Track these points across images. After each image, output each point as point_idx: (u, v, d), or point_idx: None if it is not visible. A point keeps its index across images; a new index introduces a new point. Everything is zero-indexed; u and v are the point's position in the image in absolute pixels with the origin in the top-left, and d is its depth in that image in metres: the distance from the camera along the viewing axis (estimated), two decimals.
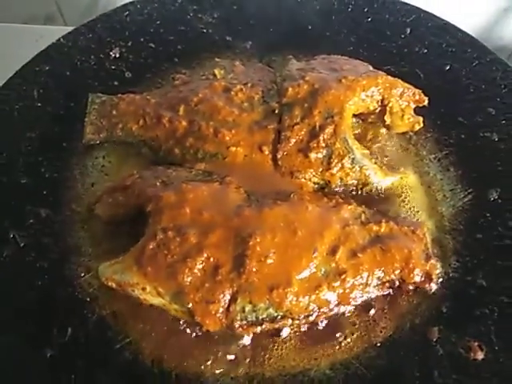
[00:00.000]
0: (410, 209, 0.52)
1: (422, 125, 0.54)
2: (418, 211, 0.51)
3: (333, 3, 0.68)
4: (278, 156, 0.51)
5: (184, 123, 0.55)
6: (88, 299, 0.46)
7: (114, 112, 0.58)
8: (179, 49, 0.66)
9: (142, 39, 0.66)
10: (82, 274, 0.48)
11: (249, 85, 0.57)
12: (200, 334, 0.44)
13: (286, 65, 0.59)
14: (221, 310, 0.43)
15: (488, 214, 0.49)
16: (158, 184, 0.48)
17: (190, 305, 0.42)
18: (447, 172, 0.54)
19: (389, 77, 0.54)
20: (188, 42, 0.66)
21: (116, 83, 0.63)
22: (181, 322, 0.45)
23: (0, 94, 0.59)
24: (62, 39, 0.65)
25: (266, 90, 0.56)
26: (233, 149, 0.52)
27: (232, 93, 0.56)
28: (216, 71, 0.59)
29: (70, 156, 0.57)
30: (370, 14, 0.66)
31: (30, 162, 0.55)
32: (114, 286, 0.45)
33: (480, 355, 0.40)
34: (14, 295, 0.46)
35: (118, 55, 0.65)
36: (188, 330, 0.44)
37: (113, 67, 0.64)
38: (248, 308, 0.43)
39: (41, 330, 0.44)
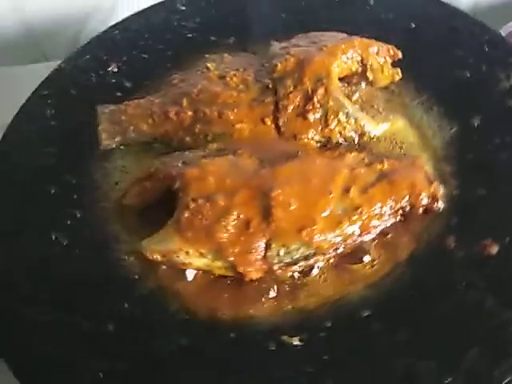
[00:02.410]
0: (405, 149, 0.57)
1: (400, 75, 0.60)
2: (412, 149, 0.57)
3: None
4: (280, 123, 0.57)
5: (190, 113, 0.60)
6: (136, 277, 0.51)
7: (123, 117, 0.63)
8: (170, 54, 0.72)
9: (134, 52, 0.72)
10: (125, 257, 0.53)
11: (240, 70, 0.63)
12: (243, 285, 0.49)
13: (269, 48, 0.65)
14: (259, 257, 0.47)
15: (476, 138, 0.55)
16: (179, 165, 0.54)
17: (231, 258, 0.47)
18: (431, 111, 0.59)
19: (364, 38, 0.60)
20: (176, 47, 0.73)
21: (119, 94, 0.68)
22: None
23: (15, 118, 0.64)
24: (62, 64, 0.71)
25: (256, 71, 0.62)
26: (238, 126, 0.58)
27: (227, 79, 0.62)
28: (208, 65, 0.65)
29: (90, 162, 0.61)
30: None
31: (55, 173, 0.60)
32: (158, 258, 0.49)
33: (495, 249, 0.45)
34: (67, 288, 0.51)
35: (116, 70, 0.70)
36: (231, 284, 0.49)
37: (113, 81, 0.70)
38: (282, 251, 0.48)
39: (98, 310, 0.48)
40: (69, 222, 0.55)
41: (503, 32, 0.85)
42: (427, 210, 0.51)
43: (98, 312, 0.48)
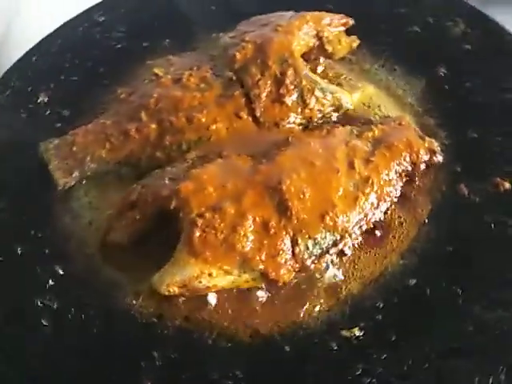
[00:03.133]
0: (384, 112, 0.57)
1: (358, 41, 0.60)
2: (390, 111, 0.57)
3: None
4: (258, 114, 0.54)
5: (153, 126, 0.54)
6: (154, 319, 0.44)
7: (75, 148, 0.55)
8: (103, 71, 0.65)
9: (62, 77, 0.64)
10: (134, 302, 0.46)
11: (194, 68, 0.58)
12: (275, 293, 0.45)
13: (215, 40, 0.61)
14: (288, 257, 0.44)
15: (446, 87, 0.56)
16: (166, 182, 0.48)
17: (261, 266, 0.43)
18: (394, 71, 0.60)
19: (314, 12, 0.59)
20: (108, 61, 0.66)
21: (58, 125, 0.60)
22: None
23: None
24: None
25: (212, 67, 0.58)
26: (213, 127, 0.53)
27: (184, 81, 0.56)
28: (156, 71, 0.60)
29: (52, 207, 0.53)
30: None
31: (16, 230, 0.51)
32: (176, 290, 0.43)
33: (507, 184, 0.46)
34: (87, 349, 0.43)
35: (46, 99, 0.62)
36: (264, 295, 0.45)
37: (47, 112, 0.61)
38: (310, 243, 0.44)
39: (129, 368, 0.41)
40: (51, 283, 0.47)
41: None
42: (429, 164, 0.51)
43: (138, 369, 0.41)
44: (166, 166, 0.52)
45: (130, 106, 0.57)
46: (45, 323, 0.44)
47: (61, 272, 0.48)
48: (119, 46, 0.67)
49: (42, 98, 0.62)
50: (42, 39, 0.67)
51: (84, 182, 0.55)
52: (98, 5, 0.71)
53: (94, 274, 0.48)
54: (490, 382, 0.36)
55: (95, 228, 0.52)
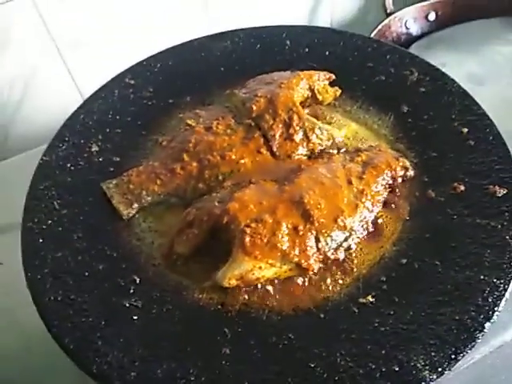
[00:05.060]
0: (365, 142, 0.75)
1: (339, 90, 0.78)
2: (370, 141, 0.75)
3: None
4: (274, 149, 0.70)
5: (194, 164, 0.70)
6: (219, 307, 0.58)
7: (131, 186, 0.70)
8: (140, 123, 0.80)
9: (107, 130, 0.79)
10: (201, 296, 0.60)
11: (220, 118, 0.75)
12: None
13: (232, 96, 0.78)
14: (314, 250, 0.60)
15: (409, 120, 0.75)
16: (216, 204, 0.63)
17: (296, 259, 0.59)
18: (369, 111, 0.78)
19: (305, 71, 0.77)
20: (142, 115, 0.81)
21: (111, 169, 0.74)
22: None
23: (24, 218, 0.67)
24: (43, 157, 0.74)
25: (233, 116, 0.75)
26: (242, 161, 0.69)
27: (213, 128, 0.73)
28: (188, 121, 0.76)
29: (120, 233, 0.67)
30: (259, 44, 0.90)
31: (96, 253, 0.64)
32: (235, 282, 0.58)
33: (462, 187, 0.65)
34: (172, 334, 0.56)
35: (97, 149, 0.76)
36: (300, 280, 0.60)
37: (100, 159, 0.75)
38: (328, 240, 0.60)
39: (209, 343, 0.55)
40: (132, 290, 0.60)
41: (374, 36, 1.11)
42: (404, 178, 0.69)
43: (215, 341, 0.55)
44: (207, 194, 0.68)
45: (173, 150, 0.72)
46: (135, 318, 0.58)
47: (138, 280, 0.61)
48: (150, 103, 0.83)
49: (95, 148, 0.76)
50: (85, 100, 0.82)
51: (141, 211, 0.69)
52: (126, 70, 0.87)
53: (163, 279, 0.61)
54: (465, 318, 0.53)
55: (157, 245, 0.66)
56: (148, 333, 0.56)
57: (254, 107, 0.73)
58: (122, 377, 0.53)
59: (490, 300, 0.53)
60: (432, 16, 1.27)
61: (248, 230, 0.59)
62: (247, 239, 0.58)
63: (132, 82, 0.86)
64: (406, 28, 1.25)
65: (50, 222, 0.67)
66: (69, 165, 0.74)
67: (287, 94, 0.73)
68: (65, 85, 1.14)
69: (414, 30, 1.26)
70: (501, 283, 0.55)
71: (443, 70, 0.80)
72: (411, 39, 1.26)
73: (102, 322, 0.57)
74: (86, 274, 0.62)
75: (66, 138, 0.77)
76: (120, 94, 0.84)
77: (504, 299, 0.54)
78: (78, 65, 1.12)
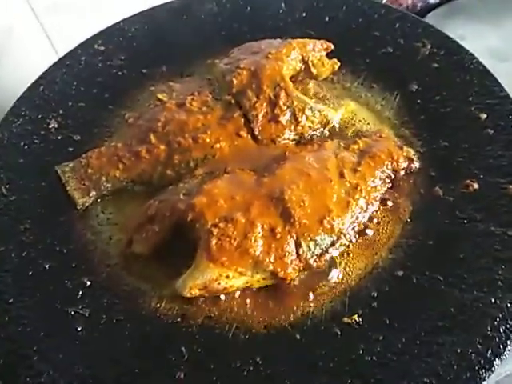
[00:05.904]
0: (365, 126, 0.64)
1: (338, 63, 0.67)
2: (370, 125, 0.64)
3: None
4: (256, 132, 0.60)
5: (162, 147, 0.60)
6: (179, 319, 0.50)
7: (90, 170, 0.61)
8: (107, 97, 0.70)
9: (70, 103, 0.69)
10: (158, 305, 0.51)
11: (195, 93, 0.64)
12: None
13: (211, 66, 0.68)
14: (293, 257, 0.50)
15: (418, 101, 0.64)
16: (182, 198, 0.54)
17: (271, 267, 0.49)
18: (372, 88, 0.67)
19: (298, 39, 0.66)
20: (111, 87, 0.71)
21: (71, 149, 0.65)
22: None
23: None
24: None
25: (211, 91, 0.64)
26: (216, 145, 0.60)
27: (187, 105, 0.62)
28: (160, 96, 0.66)
29: (74, 225, 0.58)
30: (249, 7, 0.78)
31: (44, 248, 0.55)
32: (197, 292, 0.49)
33: (476, 185, 0.54)
34: (120, 349, 0.48)
35: (56, 126, 0.67)
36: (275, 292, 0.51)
37: (59, 137, 0.66)
38: (311, 244, 0.51)
39: (161, 363, 0.47)
40: (81, 293, 0.52)
41: (387, 1, 0.98)
42: (407, 170, 0.58)
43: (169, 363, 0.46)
44: (176, 182, 0.59)
45: (139, 130, 0.62)
46: (79, 329, 0.49)
47: (88, 283, 0.53)
48: (120, 73, 0.73)
49: (53, 125, 0.67)
50: (47, 69, 0.72)
51: (100, 200, 0.60)
52: (97, 35, 0.77)
53: (118, 283, 0.53)
54: (469, 351, 0.43)
55: (115, 241, 0.57)
56: (92, 349, 0.48)
57: (235, 81, 0.62)
58: None
59: (502, 330, 0.44)
60: None
61: (215, 231, 0.50)
62: (213, 242, 0.49)
63: (102, 48, 0.75)
64: None
65: None
66: (22, 143, 0.65)
67: (275, 66, 0.62)
68: (42, 47, 1.02)
69: None
70: None
71: (461, 42, 0.68)
72: (429, 7, 1.12)
73: (40, 333, 0.49)
74: (30, 273, 0.54)
75: (22, 113, 0.67)
76: (87, 62, 0.73)
77: None
78: (56, 28, 1.01)
